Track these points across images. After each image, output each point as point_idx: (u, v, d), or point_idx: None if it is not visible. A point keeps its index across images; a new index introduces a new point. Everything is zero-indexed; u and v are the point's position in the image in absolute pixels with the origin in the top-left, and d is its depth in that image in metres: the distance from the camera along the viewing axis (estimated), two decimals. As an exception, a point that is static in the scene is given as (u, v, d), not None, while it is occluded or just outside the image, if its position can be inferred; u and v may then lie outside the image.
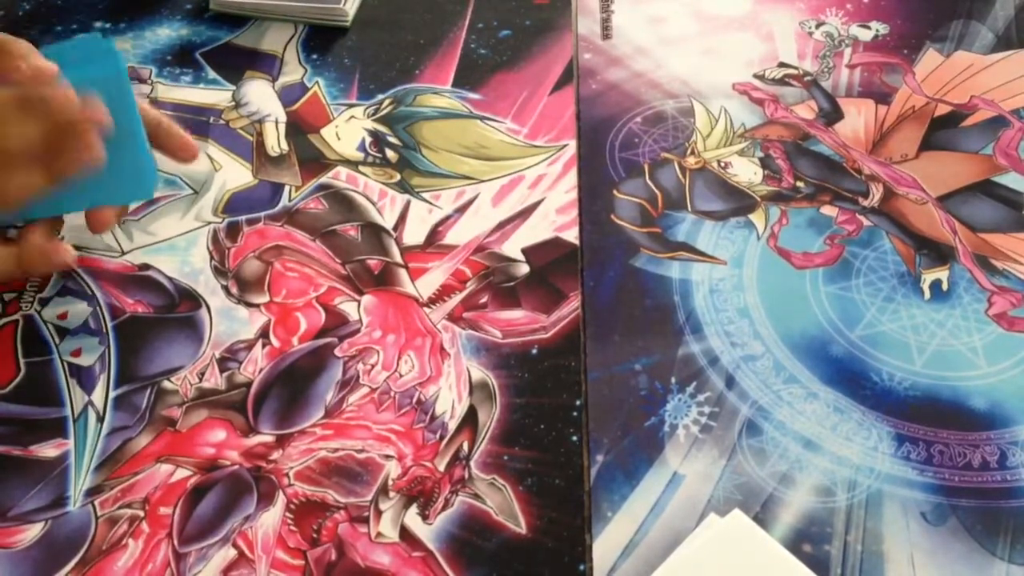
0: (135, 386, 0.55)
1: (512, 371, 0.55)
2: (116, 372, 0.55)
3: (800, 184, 0.65)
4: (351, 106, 0.70)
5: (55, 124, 0.51)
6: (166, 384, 0.55)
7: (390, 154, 0.67)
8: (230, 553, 0.49)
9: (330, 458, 0.52)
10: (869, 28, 0.75)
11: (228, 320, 0.58)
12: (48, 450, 0.52)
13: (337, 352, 0.56)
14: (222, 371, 0.56)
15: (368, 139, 0.68)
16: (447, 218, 0.63)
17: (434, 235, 0.62)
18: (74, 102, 0.51)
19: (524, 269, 0.60)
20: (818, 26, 0.75)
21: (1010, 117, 0.68)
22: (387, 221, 0.63)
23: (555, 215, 0.63)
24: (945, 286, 0.59)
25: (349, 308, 0.59)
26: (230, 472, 0.52)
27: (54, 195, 0.53)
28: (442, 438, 0.53)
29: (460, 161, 0.66)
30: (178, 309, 0.59)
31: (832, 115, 0.69)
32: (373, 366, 0.56)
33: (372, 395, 0.55)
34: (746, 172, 0.66)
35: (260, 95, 0.71)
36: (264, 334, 0.57)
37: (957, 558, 0.48)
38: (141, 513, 0.50)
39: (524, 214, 0.63)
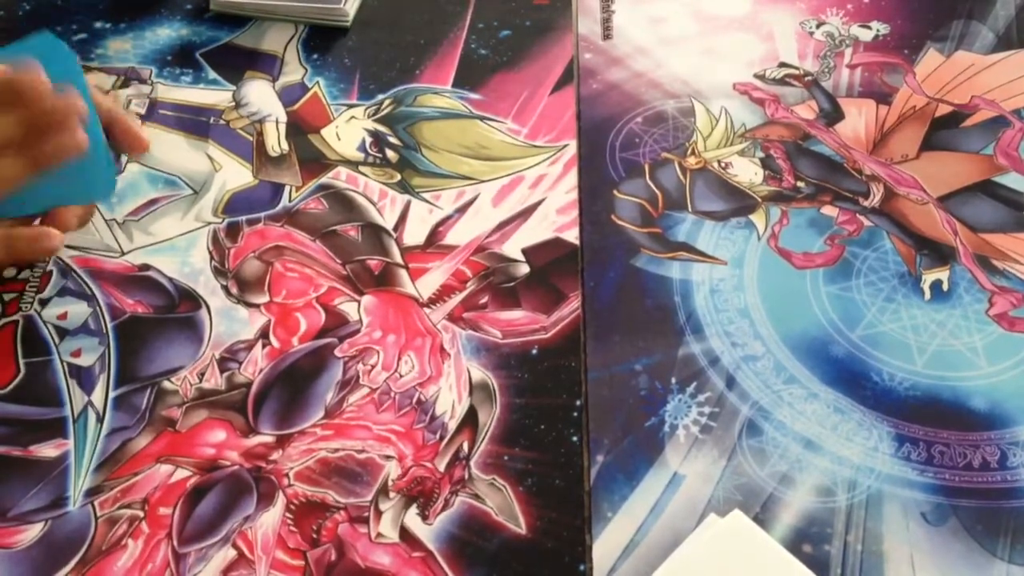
0: (135, 386, 0.55)
1: (512, 371, 0.55)
2: (116, 372, 0.55)
3: (801, 184, 0.65)
4: (351, 106, 0.70)
5: (33, 112, 0.50)
6: (166, 384, 0.55)
7: (390, 154, 0.67)
8: (230, 553, 0.49)
9: (330, 458, 0.52)
10: (870, 28, 0.75)
11: (228, 320, 0.58)
12: (48, 450, 0.52)
13: (337, 352, 0.56)
14: (222, 371, 0.56)
15: (368, 139, 0.68)
16: (447, 218, 0.63)
17: (434, 235, 0.62)
18: (48, 88, 0.50)
19: (524, 269, 0.60)
20: (819, 26, 0.75)
21: (1011, 117, 0.68)
22: (387, 221, 0.63)
23: (555, 215, 0.63)
24: (946, 286, 0.59)
25: (349, 308, 0.59)
26: (230, 472, 0.52)
27: (15, 195, 0.52)
28: (442, 438, 0.53)
29: (460, 161, 0.66)
30: (178, 309, 0.58)
31: (833, 115, 0.69)
32: (373, 366, 0.56)
33: (372, 395, 0.55)
34: (747, 172, 0.65)
35: (260, 95, 0.71)
36: (264, 334, 0.57)
37: (957, 558, 0.48)
38: (141, 513, 0.50)
39: (524, 214, 0.63)
